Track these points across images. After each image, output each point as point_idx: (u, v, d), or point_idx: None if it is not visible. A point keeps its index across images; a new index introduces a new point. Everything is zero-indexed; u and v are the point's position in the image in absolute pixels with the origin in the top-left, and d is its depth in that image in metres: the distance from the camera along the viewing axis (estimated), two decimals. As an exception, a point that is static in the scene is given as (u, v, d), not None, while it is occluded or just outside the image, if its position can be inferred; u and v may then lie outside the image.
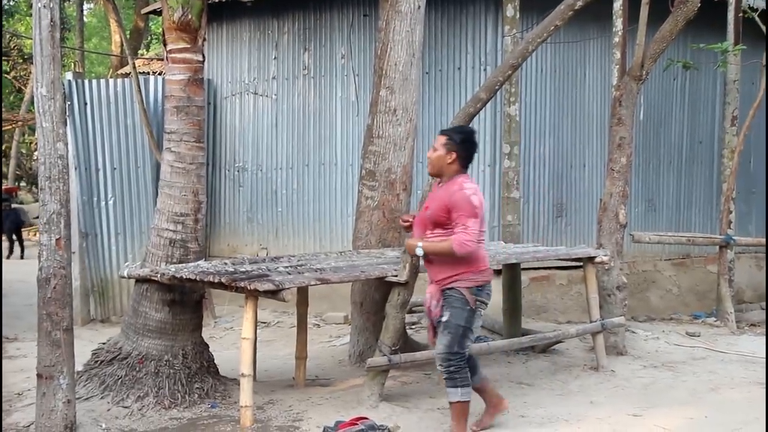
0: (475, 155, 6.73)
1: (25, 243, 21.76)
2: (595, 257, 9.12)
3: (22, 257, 19.73)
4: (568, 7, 7.89)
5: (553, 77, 12.09)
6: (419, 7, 9.04)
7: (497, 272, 10.28)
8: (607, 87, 11.95)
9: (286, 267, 7.67)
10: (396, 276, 7.44)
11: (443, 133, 6.70)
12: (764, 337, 10.38)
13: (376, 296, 8.93)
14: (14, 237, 20.60)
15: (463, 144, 6.55)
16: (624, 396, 8.09)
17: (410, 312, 11.01)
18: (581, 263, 9.29)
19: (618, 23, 10.40)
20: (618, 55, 10.29)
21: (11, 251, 19.97)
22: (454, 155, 6.54)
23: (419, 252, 6.58)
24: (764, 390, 7.96)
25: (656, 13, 9.78)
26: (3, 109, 27.05)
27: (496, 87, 7.80)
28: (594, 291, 9.12)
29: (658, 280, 13.22)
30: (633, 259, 12.58)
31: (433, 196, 6.65)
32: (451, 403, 6.63)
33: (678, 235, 12.00)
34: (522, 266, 10.04)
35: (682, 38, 11.94)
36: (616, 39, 10.40)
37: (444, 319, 6.53)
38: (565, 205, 12.26)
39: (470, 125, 7.67)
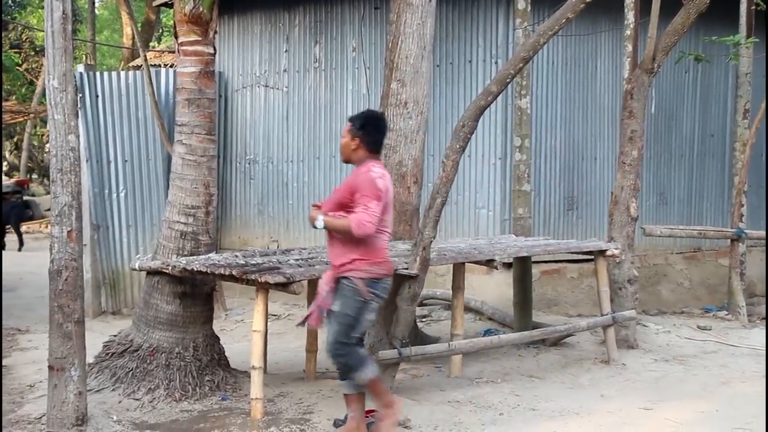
0: (384, 140, 6.68)
1: (37, 235, 21.81)
2: (606, 250, 9.11)
3: (20, 249, 19.75)
4: (579, 0, 7.86)
5: (564, 70, 12.06)
6: (430, 0, 9.03)
7: (508, 265, 10.30)
8: (618, 80, 11.92)
9: (297, 259, 7.68)
10: (407, 269, 7.44)
11: (349, 119, 6.69)
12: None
13: (386, 289, 8.93)
14: (6, 230, 20.50)
15: (364, 129, 6.50)
16: (635, 389, 8.08)
17: (421, 305, 11.02)
18: (592, 256, 9.28)
19: (630, 16, 10.37)
20: (630, 47, 10.27)
21: (21, 243, 19.98)
22: (357, 141, 6.49)
23: (319, 224, 6.42)
24: (775, 384, 7.96)
25: (668, 6, 9.75)
26: (16, 101, 27.09)
27: (508, 80, 7.77)
28: (605, 284, 9.11)
29: (669, 273, 13.20)
30: (644, 253, 12.57)
31: (344, 181, 6.64)
32: (358, 387, 6.55)
33: (689, 229, 11.97)
34: (533, 259, 10.03)
35: (694, 31, 11.91)
36: (628, 32, 10.37)
37: (334, 308, 6.46)
38: (576, 198, 12.24)
39: (481, 118, 7.66)
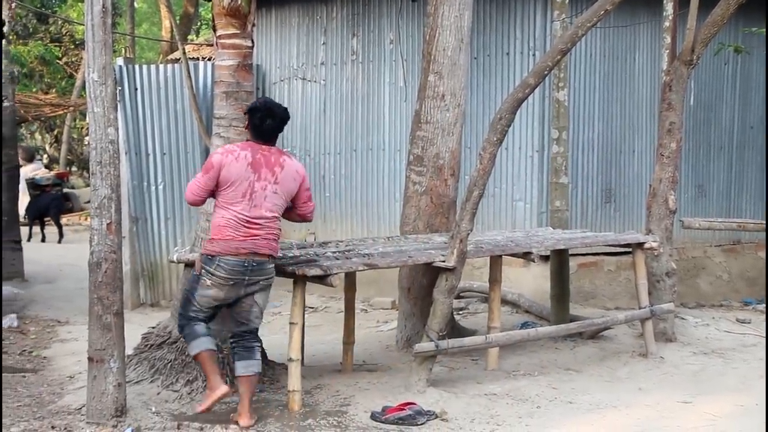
0: (278, 129, 6.86)
1: (77, 227, 21.96)
2: (644, 243, 9.08)
3: (59, 241, 19.89)
4: (618, -8, 7.82)
5: (602, 62, 12.00)
6: (468, -8, 9.02)
7: (545, 258, 10.27)
8: (657, 72, 11.83)
9: (334, 252, 7.70)
10: (444, 261, 7.45)
11: None
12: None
13: (423, 281, 8.94)
14: (46, 221, 20.66)
15: (250, 113, 6.78)
16: (673, 383, 8.05)
17: (458, 297, 11.01)
18: (630, 249, 9.24)
19: (668, 7, 10.29)
20: (668, 39, 10.18)
21: (61, 235, 20.14)
22: (246, 123, 6.84)
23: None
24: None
25: (708, -3, 9.68)
26: (56, 94, 27.28)
27: (545, 72, 7.74)
28: (643, 277, 9.08)
29: (708, 266, 13.11)
30: (682, 245, 12.48)
31: None
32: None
33: (728, 221, 11.88)
34: (570, 252, 10.01)
35: (733, 22, 11.80)
36: (667, 23, 10.29)
37: None
38: (614, 191, 12.18)
39: (518, 111, 7.64)
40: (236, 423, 6.67)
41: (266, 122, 6.71)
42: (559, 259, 9.89)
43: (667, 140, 9.66)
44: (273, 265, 6.77)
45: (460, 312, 11.02)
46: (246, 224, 6.59)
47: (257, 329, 6.90)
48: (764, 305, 11.76)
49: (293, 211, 6.97)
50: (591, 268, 11.74)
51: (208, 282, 6.65)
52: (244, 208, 6.59)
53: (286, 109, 6.92)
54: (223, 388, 6.69)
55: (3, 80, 14.49)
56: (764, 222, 11.95)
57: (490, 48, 11.71)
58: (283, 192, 6.72)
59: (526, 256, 8.48)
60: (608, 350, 9.23)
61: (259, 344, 6.95)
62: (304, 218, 7.09)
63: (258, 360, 6.83)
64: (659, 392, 7.70)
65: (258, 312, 6.83)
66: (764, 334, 9.97)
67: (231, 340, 6.94)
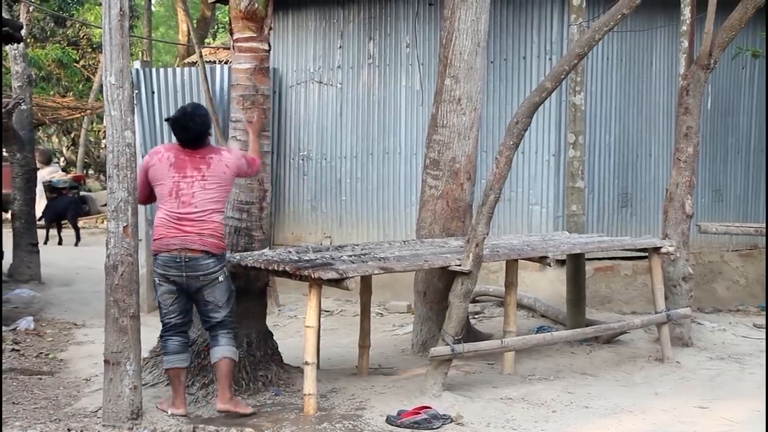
0: (209, 132, 7.07)
1: (93, 230, 22.03)
2: (660, 248, 9.05)
3: (76, 244, 19.97)
4: (635, -5, 7.80)
5: (619, 66, 11.98)
6: (485, -4, 9.02)
7: (561, 262, 10.24)
8: (674, 76, 11.81)
9: (350, 256, 7.69)
10: (459, 265, 7.44)
11: None
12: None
13: (439, 285, 8.94)
14: (63, 224, 20.75)
15: (169, 122, 7.01)
16: (689, 388, 8.02)
17: (474, 301, 11.00)
18: (646, 254, 9.22)
19: (686, 11, 10.27)
20: (686, 43, 10.16)
21: (78, 238, 20.21)
22: None
23: None
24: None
25: (725, 1, 9.65)
26: (73, 97, 27.37)
27: (562, 76, 7.73)
28: (659, 282, 9.05)
29: (724, 271, 13.05)
30: (699, 250, 12.43)
31: None
32: None
33: (745, 226, 11.82)
34: (586, 256, 9.98)
35: (751, 26, 11.74)
36: (684, 27, 10.27)
37: None
38: (631, 195, 12.15)
39: (535, 115, 7.63)
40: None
41: (180, 135, 6.90)
42: (575, 264, 9.87)
43: (684, 144, 9.63)
44: (213, 260, 6.84)
45: (476, 316, 11.01)
46: (176, 221, 6.79)
47: (224, 321, 6.96)
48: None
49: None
50: (607, 273, 11.71)
51: (157, 280, 6.93)
52: (173, 206, 6.80)
53: (202, 118, 6.99)
54: (181, 410, 6.89)
55: (21, 83, 14.58)
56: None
57: (507, 52, 11.70)
58: (215, 184, 6.85)
59: (542, 260, 8.46)
60: (624, 355, 9.20)
61: (228, 332, 6.99)
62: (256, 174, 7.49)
63: (225, 346, 6.93)
64: (675, 397, 7.68)
65: (214, 307, 6.92)
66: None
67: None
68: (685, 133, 9.62)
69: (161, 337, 7.09)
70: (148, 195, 7.00)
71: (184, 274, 6.78)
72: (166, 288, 6.89)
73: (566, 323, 10.02)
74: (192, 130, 6.87)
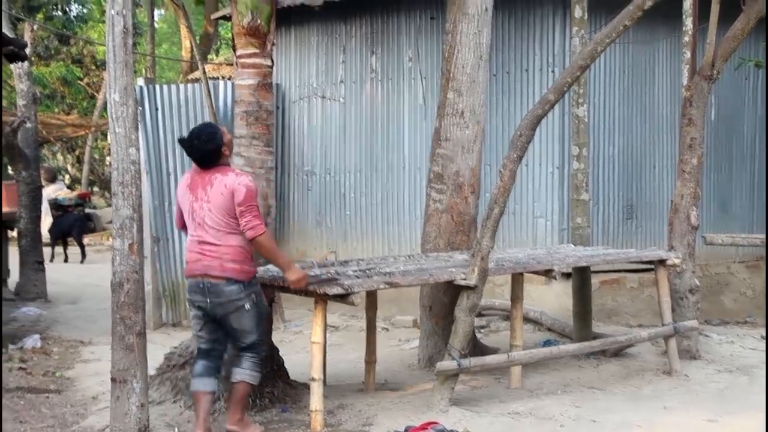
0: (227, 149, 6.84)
1: (99, 247, 22.04)
2: (666, 260, 9.03)
3: (82, 262, 19.98)
4: (637, 7, 7.80)
5: (621, 78, 11.98)
6: (487, 9, 9.02)
7: (566, 275, 10.22)
8: (677, 87, 11.80)
9: (355, 270, 7.69)
10: (465, 279, 7.42)
11: None
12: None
13: (445, 300, 8.92)
14: (68, 242, 20.77)
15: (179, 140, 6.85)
16: (698, 401, 7.98)
17: (479, 315, 10.98)
18: (652, 266, 9.20)
19: (688, 22, 10.26)
20: (688, 54, 10.15)
21: (83, 256, 20.23)
22: None
23: None
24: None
25: (727, 12, 9.64)
26: (77, 115, 27.46)
27: (565, 88, 7.74)
28: (666, 294, 9.02)
29: (731, 282, 13.03)
30: (705, 262, 12.41)
31: None
32: None
33: (751, 237, 11.78)
34: (592, 269, 9.95)
35: (753, 36, 11.75)
36: (686, 38, 10.26)
37: None
38: (635, 207, 12.14)
39: (538, 127, 7.63)
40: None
41: (189, 154, 6.77)
42: (581, 277, 9.85)
43: (688, 156, 9.62)
44: (237, 287, 6.57)
45: (482, 330, 10.99)
46: (196, 245, 6.63)
47: (252, 345, 6.77)
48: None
49: None
50: (613, 285, 11.69)
51: (188, 304, 6.84)
52: (192, 230, 6.67)
53: (209, 136, 6.67)
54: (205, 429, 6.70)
55: (26, 101, 14.62)
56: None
57: (510, 65, 11.71)
58: (216, 208, 6.53)
59: (547, 273, 8.43)
60: (632, 368, 9.17)
61: (254, 356, 6.80)
62: (251, 240, 6.58)
63: (246, 370, 6.76)
64: (684, 411, 7.64)
65: (242, 333, 6.71)
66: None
67: None
68: (689, 144, 9.61)
69: (193, 358, 6.99)
70: (181, 219, 6.85)
71: (208, 300, 6.59)
72: (194, 313, 6.80)
73: (573, 337, 10.01)
74: (197, 149, 6.64)
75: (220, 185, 6.53)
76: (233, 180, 6.57)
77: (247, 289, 6.63)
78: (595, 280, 10.66)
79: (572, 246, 10.18)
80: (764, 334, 10.93)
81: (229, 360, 6.98)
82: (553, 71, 11.31)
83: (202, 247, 6.58)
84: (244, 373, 6.76)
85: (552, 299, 11.24)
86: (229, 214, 6.52)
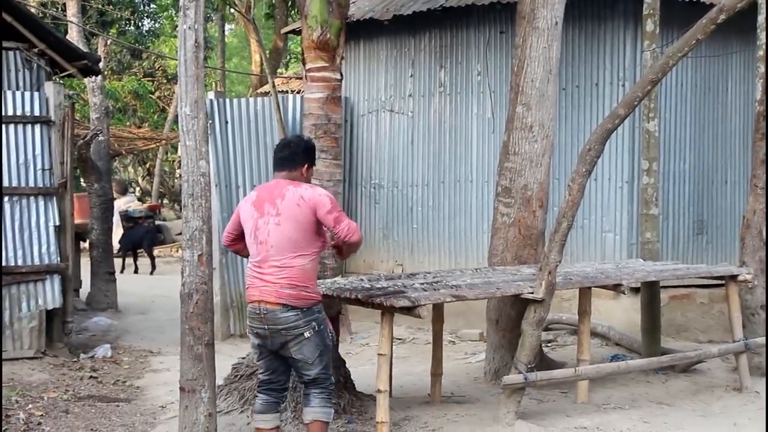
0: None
1: (168, 259, 22.29)
2: (737, 275, 8.91)
3: (152, 273, 20.22)
4: (709, 21, 7.72)
5: (693, 92, 11.86)
6: (557, 23, 8.99)
7: (635, 290, 10.12)
8: (750, 101, 11.67)
9: (422, 283, 7.69)
10: (532, 293, 7.39)
11: None
12: None
13: (512, 313, 8.89)
14: (139, 253, 21.03)
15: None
16: (769, 419, 7.86)
17: (546, 329, 10.92)
18: (723, 281, 9.08)
19: (762, 36, 10.13)
20: (762, 68, 10.02)
21: (153, 267, 20.47)
22: None
23: None
24: None
25: (802, 25, 9.52)
26: (148, 128, 27.83)
27: (635, 103, 7.68)
28: (737, 310, 8.90)
29: (804, 299, 12.80)
30: (777, 278, 12.21)
31: None
32: None
33: (825, 253, 11.61)
34: (661, 284, 9.86)
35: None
36: (761, 52, 10.13)
37: None
38: (706, 222, 12.01)
39: (607, 141, 7.58)
40: None
41: (277, 153, 6.53)
42: (650, 291, 9.76)
43: (761, 171, 9.49)
44: (295, 314, 6.21)
45: (549, 344, 10.92)
46: (256, 269, 6.33)
47: (317, 379, 6.38)
48: None
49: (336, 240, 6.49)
50: (683, 301, 11.55)
51: (248, 331, 6.60)
52: (253, 252, 6.37)
53: (301, 142, 6.60)
54: None
55: (99, 115, 14.90)
56: None
57: (579, 79, 11.65)
58: (289, 221, 6.21)
59: (616, 288, 8.37)
60: (701, 384, 9.06)
61: (322, 392, 6.42)
62: (346, 242, 6.35)
63: (317, 408, 6.37)
64: (755, 428, 7.53)
65: (304, 364, 6.32)
66: None
67: None
68: (762, 160, 9.48)
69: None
70: (233, 239, 6.65)
71: (266, 326, 6.24)
72: (253, 341, 6.47)
73: (641, 352, 9.90)
74: (293, 146, 6.47)
75: (295, 196, 6.22)
76: (311, 193, 6.28)
77: (307, 316, 6.24)
78: (664, 295, 10.55)
79: (641, 260, 10.09)
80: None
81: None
82: (623, 85, 11.24)
83: (261, 269, 6.28)
84: (315, 412, 6.38)
85: (620, 314, 11.14)
86: (302, 227, 6.21)
